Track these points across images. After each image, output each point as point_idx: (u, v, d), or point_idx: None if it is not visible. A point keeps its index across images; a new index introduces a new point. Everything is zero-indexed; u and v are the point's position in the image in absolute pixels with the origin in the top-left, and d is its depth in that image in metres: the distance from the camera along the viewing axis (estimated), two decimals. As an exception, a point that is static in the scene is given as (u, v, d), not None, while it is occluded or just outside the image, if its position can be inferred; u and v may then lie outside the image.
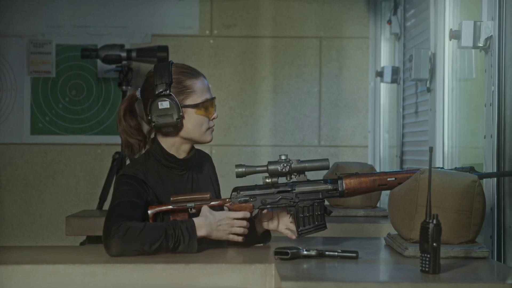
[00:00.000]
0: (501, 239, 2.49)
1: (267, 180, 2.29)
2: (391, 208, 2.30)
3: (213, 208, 2.30)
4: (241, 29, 4.93)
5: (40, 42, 4.86)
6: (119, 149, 4.36)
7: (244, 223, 2.29)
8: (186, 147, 2.39)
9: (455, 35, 2.70)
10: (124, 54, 4.47)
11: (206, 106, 2.36)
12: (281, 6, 4.94)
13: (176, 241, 2.17)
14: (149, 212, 2.29)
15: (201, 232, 2.22)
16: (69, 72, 4.89)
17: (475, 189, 2.15)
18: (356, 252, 2.10)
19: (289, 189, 2.30)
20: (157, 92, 2.31)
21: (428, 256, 1.86)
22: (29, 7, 4.86)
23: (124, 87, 4.51)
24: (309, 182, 2.30)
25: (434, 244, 1.85)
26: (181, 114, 2.31)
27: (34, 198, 4.90)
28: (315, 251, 2.11)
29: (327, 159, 2.28)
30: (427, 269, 1.86)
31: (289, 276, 1.87)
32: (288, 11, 4.94)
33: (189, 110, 2.34)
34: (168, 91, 2.31)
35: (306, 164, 2.28)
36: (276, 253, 2.10)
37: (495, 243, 2.50)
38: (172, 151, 2.37)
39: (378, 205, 3.75)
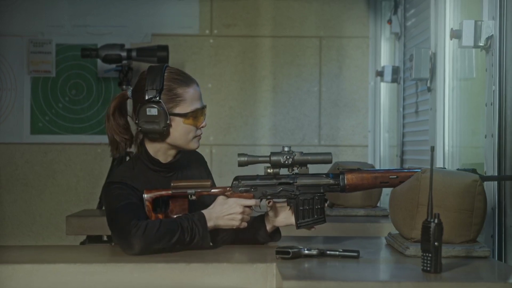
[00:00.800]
0: (502, 238, 2.48)
1: (268, 171, 2.27)
2: (392, 208, 2.29)
3: (212, 196, 2.30)
4: (241, 29, 4.93)
5: (40, 42, 4.85)
6: (119, 148, 4.35)
7: (251, 211, 2.29)
8: (172, 152, 2.37)
9: (456, 34, 2.70)
10: (124, 54, 4.47)
11: (195, 115, 2.32)
12: (281, 6, 4.94)
13: (192, 233, 2.18)
14: (147, 196, 2.26)
15: (210, 223, 2.22)
16: (69, 71, 4.89)
17: (476, 189, 2.15)
18: (357, 252, 2.10)
19: (291, 181, 2.28)
20: (147, 98, 2.27)
21: (430, 255, 1.86)
22: (29, 7, 4.86)
23: (124, 87, 4.50)
24: (311, 175, 2.28)
25: (436, 243, 1.85)
26: (168, 122, 2.28)
27: (34, 197, 4.89)
28: (316, 250, 2.11)
29: (330, 153, 2.26)
30: (428, 269, 1.86)
31: (291, 275, 1.87)
32: (288, 10, 4.94)
33: (177, 118, 2.30)
34: (157, 98, 2.27)
35: (309, 157, 2.25)
36: (277, 252, 2.09)
37: (496, 242, 2.50)
38: (158, 155, 2.35)
39: (378, 204, 3.75)
